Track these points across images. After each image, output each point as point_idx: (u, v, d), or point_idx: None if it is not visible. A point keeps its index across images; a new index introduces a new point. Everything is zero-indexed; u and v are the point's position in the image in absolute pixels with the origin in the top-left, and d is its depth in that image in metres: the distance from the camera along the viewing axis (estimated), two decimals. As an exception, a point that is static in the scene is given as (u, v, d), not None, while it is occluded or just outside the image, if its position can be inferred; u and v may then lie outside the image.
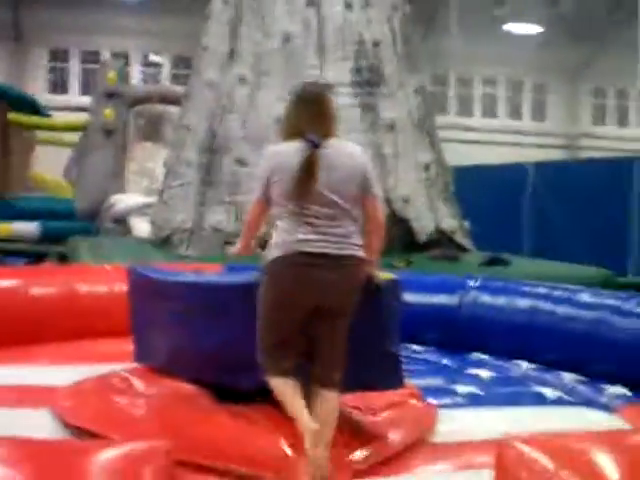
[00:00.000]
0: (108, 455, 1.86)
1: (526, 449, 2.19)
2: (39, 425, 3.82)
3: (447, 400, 4.60)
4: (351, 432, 3.87)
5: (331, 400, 3.69)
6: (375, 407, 4.24)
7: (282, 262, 3.61)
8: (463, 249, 11.25)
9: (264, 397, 4.02)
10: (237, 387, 4.24)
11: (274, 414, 3.83)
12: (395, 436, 3.90)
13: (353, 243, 3.66)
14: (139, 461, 1.84)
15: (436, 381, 5.12)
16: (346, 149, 3.80)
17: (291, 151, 3.68)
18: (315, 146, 3.65)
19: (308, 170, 3.59)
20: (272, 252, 3.66)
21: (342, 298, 3.68)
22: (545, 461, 2.09)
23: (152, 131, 19.89)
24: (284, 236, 3.63)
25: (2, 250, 17.32)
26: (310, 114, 3.76)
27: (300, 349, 3.74)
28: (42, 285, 6.10)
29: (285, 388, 3.66)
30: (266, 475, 3.42)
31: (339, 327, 3.71)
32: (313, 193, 3.59)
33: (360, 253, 3.69)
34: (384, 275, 4.10)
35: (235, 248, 4.07)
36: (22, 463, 1.83)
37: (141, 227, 14.49)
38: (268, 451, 3.56)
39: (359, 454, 3.64)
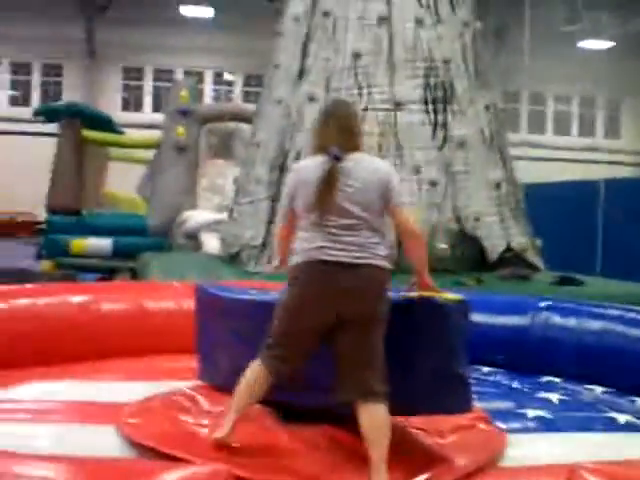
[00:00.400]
0: (170, 478, 1.84)
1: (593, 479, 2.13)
2: (104, 443, 3.83)
3: (516, 424, 4.49)
4: (415, 454, 3.82)
5: (375, 414, 3.66)
6: (442, 430, 4.18)
7: (301, 268, 3.73)
8: (534, 268, 11.07)
9: (327, 417, 4.02)
10: (301, 406, 4.22)
11: (335, 434, 3.83)
12: (462, 460, 3.82)
13: (372, 252, 3.73)
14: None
15: (505, 404, 5.01)
16: (369, 162, 3.90)
17: (313, 165, 3.82)
18: (337, 159, 3.74)
19: (328, 182, 3.70)
20: (293, 259, 3.78)
21: (361, 306, 3.70)
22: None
23: (223, 148, 20.07)
24: (304, 244, 3.76)
25: (76, 266, 17.61)
26: (335, 129, 3.87)
27: (303, 360, 3.85)
28: (111, 301, 6.15)
29: (259, 380, 3.84)
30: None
31: (365, 337, 3.71)
32: (333, 204, 3.72)
33: (380, 262, 3.75)
34: (452, 296, 4.05)
35: (274, 264, 4.17)
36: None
37: (212, 243, 14.59)
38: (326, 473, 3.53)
39: (423, 478, 3.58)
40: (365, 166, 3.82)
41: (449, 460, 3.82)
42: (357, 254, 3.70)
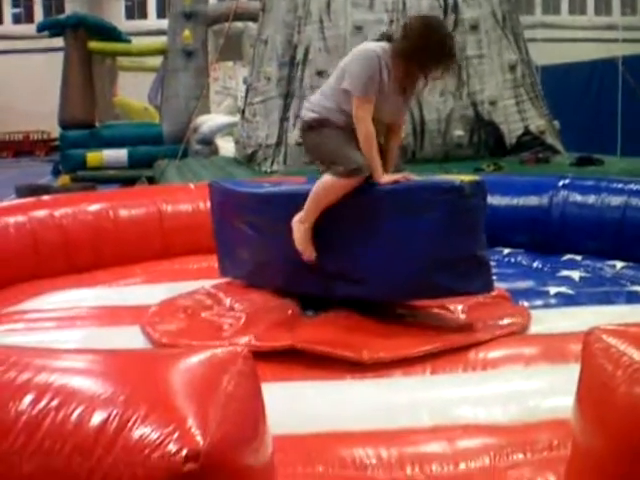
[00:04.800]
0: (190, 361, 1.85)
1: (613, 340, 2.12)
2: (130, 343, 3.88)
3: (538, 302, 4.51)
4: (435, 327, 3.94)
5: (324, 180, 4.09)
6: (464, 308, 4.22)
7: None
8: (553, 150, 10.99)
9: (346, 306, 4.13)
10: (321, 295, 4.28)
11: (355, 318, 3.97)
12: (485, 330, 3.87)
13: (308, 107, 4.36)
14: (219, 367, 1.84)
15: (527, 283, 5.02)
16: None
17: None
18: None
19: None
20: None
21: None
22: (632, 352, 2.02)
23: (232, 49, 19.81)
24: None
25: (94, 178, 17.64)
26: None
27: None
28: (129, 207, 6.17)
29: (343, 188, 4.01)
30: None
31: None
32: None
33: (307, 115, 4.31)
34: (468, 177, 4.03)
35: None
36: (105, 372, 1.85)
37: (227, 147, 14.57)
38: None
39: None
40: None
41: (471, 329, 3.89)
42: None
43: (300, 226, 4.16)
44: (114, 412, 1.61)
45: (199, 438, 1.54)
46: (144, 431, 1.57)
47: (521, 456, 2.71)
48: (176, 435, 1.54)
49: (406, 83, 4.18)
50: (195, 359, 1.87)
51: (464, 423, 2.97)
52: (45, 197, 6.56)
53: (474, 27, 10.64)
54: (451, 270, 3.91)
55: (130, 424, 1.59)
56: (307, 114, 4.31)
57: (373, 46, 4.15)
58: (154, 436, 1.55)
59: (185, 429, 1.56)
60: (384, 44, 4.14)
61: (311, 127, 4.27)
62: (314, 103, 4.31)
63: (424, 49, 3.99)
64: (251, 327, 3.96)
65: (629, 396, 2.03)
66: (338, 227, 4.13)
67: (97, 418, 1.61)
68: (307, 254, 4.19)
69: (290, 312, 4.24)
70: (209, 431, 1.56)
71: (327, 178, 4.05)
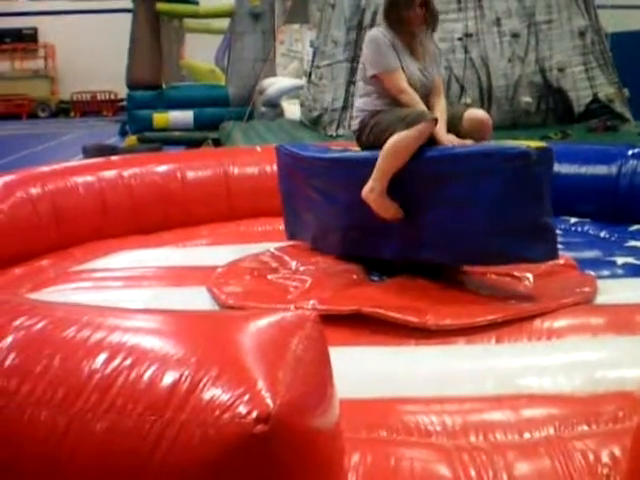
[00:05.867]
0: (258, 324, 1.88)
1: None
2: (195, 304, 3.93)
3: (605, 271, 4.46)
4: (500, 295, 3.94)
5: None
6: (531, 275, 4.20)
7: None
8: (622, 119, 10.78)
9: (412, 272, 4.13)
10: (386, 259, 4.30)
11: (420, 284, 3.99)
12: (552, 299, 3.83)
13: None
14: (289, 330, 1.86)
15: (594, 253, 4.97)
16: None
17: None
18: None
19: None
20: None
21: None
22: None
23: (299, 12, 19.72)
24: None
25: (160, 139, 17.78)
26: None
27: None
28: (195, 169, 6.22)
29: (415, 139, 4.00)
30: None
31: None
32: None
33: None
34: (536, 143, 3.99)
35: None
36: (177, 333, 1.88)
37: (293, 109, 14.54)
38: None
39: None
40: None
41: (537, 298, 3.85)
42: None
43: (371, 195, 4.15)
44: (186, 373, 1.64)
45: (269, 401, 1.56)
46: (215, 392, 1.60)
47: (586, 427, 2.69)
48: (247, 397, 1.57)
49: (410, 40, 4.35)
50: (265, 322, 1.89)
51: (528, 393, 2.96)
52: (113, 158, 6.64)
53: (544, -9, 10.46)
54: (516, 237, 3.89)
55: (201, 385, 1.62)
56: (353, 124, 4.54)
57: (374, 30, 4.46)
58: (225, 397, 1.58)
59: (255, 391, 1.58)
60: (383, 24, 4.41)
61: (361, 130, 4.41)
62: (356, 110, 4.52)
63: (389, 4, 4.36)
64: (317, 290, 3.99)
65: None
66: (404, 192, 4.13)
67: (169, 378, 1.64)
68: (393, 215, 4.18)
69: (355, 277, 4.26)
70: (279, 394, 1.58)
71: (395, 137, 4.04)
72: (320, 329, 1.94)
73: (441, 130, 4.11)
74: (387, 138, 4.08)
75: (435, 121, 4.04)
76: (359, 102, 4.50)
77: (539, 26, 10.45)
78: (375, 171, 4.11)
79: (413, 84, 4.26)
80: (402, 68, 4.24)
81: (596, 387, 2.99)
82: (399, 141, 4.02)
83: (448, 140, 4.10)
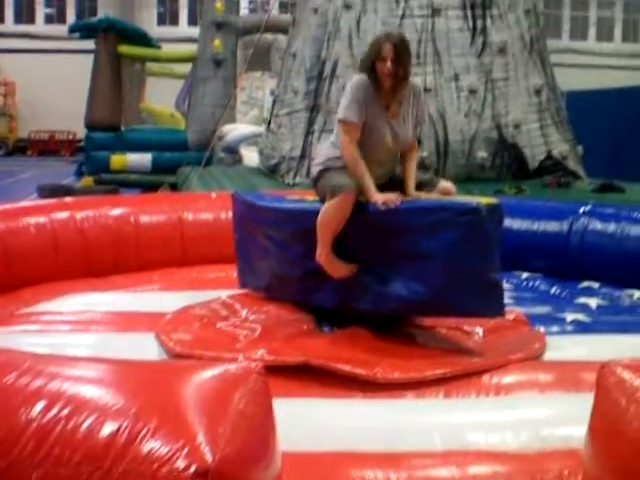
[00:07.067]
0: (201, 377, 1.86)
1: (627, 375, 2.11)
2: (143, 351, 3.88)
3: (554, 328, 4.49)
4: (450, 350, 3.94)
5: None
6: (481, 330, 4.21)
7: None
8: (575, 176, 10.94)
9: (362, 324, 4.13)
10: (335, 308, 4.36)
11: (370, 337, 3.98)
12: (499, 354, 3.84)
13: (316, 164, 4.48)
14: (232, 383, 1.84)
15: (544, 309, 5.00)
16: None
17: None
18: None
19: None
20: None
21: None
22: (647, 388, 2.01)
23: (260, 60, 19.87)
24: None
25: (117, 181, 17.72)
26: None
27: None
28: (150, 213, 6.19)
29: (335, 210, 4.08)
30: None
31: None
32: None
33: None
34: (486, 200, 4.02)
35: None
36: (118, 383, 1.86)
37: (252, 157, 14.58)
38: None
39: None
40: None
41: (486, 353, 3.86)
42: None
43: (321, 259, 4.21)
44: (125, 423, 1.62)
45: (208, 455, 1.54)
46: (154, 445, 1.57)
47: (531, 485, 2.69)
48: (185, 451, 1.55)
49: (388, 100, 4.31)
50: (208, 374, 1.87)
51: (475, 449, 2.96)
52: (67, 199, 6.59)
53: (502, 50, 10.63)
54: (464, 291, 3.91)
55: (140, 437, 1.59)
56: (313, 171, 4.50)
57: (358, 75, 4.32)
58: (164, 450, 1.56)
59: (195, 445, 1.56)
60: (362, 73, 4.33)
61: (316, 180, 4.43)
62: (320, 155, 4.52)
63: (365, 55, 4.35)
64: (266, 340, 3.96)
65: (642, 432, 2.02)
66: (357, 244, 4.15)
67: (108, 429, 1.62)
68: (345, 273, 4.22)
69: (306, 327, 4.25)
70: (218, 448, 1.56)
71: (323, 208, 4.16)
72: (265, 382, 1.92)
73: (371, 191, 4.13)
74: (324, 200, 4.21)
75: (355, 192, 4.09)
76: (326, 145, 4.54)
77: (496, 83, 10.61)
78: (317, 237, 4.17)
79: (377, 139, 4.25)
80: (368, 121, 4.21)
81: (542, 444, 2.99)
82: (325, 213, 4.14)
83: (377, 199, 4.11)
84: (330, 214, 4.12)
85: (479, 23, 10.60)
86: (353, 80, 4.31)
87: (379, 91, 4.25)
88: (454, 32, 10.44)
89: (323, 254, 4.19)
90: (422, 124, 4.55)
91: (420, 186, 4.37)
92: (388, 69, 4.16)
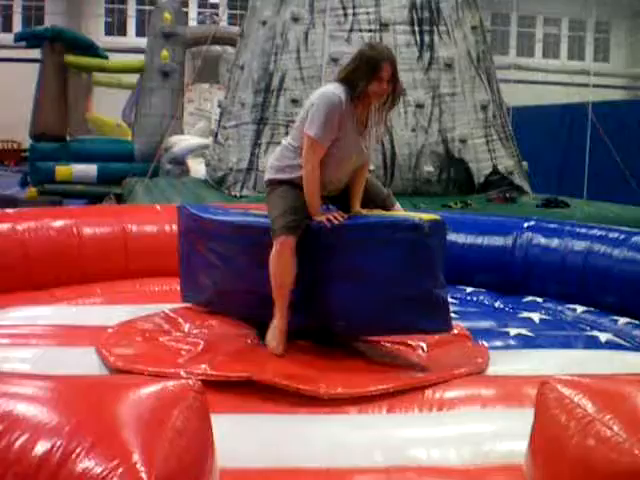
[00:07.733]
0: (138, 394, 1.82)
1: (567, 391, 2.12)
2: (83, 365, 3.81)
3: (498, 342, 4.51)
4: (395, 365, 3.93)
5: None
6: (424, 345, 4.22)
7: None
8: (521, 191, 11.07)
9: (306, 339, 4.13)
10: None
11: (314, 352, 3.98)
12: (444, 369, 3.85)
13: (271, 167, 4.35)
14: (170, 401, 1.81)
15: (487, 323, 5.03)
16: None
17: None
18: None
19: None
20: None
21: None
22: (585, 404, 2.02)
23: (209, 72, 19.84)
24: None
25: (61, 192, 17.51)
26: None
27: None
28: (93, 225, 6.11)
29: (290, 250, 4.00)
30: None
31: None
32: None
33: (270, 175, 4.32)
34: (428, 216, 4.03)
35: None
36: (52, 400, 1.82)
37: (198, 168, 14.53)
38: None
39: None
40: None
41: (430, 368, 3.86)
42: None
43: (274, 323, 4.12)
44: (58, 442, 1.58)
45: (144, 475, 1.51)
46: (88, 464, 1.54)
47: (472, 501, 2.69)
48: (120, 470, 1.52)
49: (362, 116, 4.20)
50: (146, 391, 1.84)
51: (417, 465, 2.95)
52: (8, 210, 6.48)
53: (449, 65, 10.72)
54: (408, 307, 3.90)
55: (74, 456, 1.56)
56: (267, 173, 4.36)
57: (335, 90, 4.12)
58: (97, 470, 1.52)
59: (130, 464, 1.53)
60: (341, 85, 4.14)
61: (269, 186, 4.32)
62: (275, 158, 4.38)
63: (354, 69, 4.10)
64: (209, 355, 3.92)
65: (581, 448, 2.03)
66: (302, 261, 4.12)
67: (41, 448, 1.58)
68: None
69: (249, 341, 4.22)
70: (154, 467, 1.53)
71: (270, 256, 4.06)
72: (203, 399, 1.89)
73: (315, 210, 4.11)
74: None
75: (294, 239, 4.03)
76: (283, 146, 4.36)
77: (443, 98, 10.69)
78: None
79: (346, 154, 4.17)
80: (339, 137, 4.10)
81: (484, 459, 3.00)
82: (271, 263, 4.05)
83: (319, 219, 4.08)
84: (274, 263, 4.04)
85: (426, 39, 10.68)
86: (329, 96, 4.09)
87: (357, 106, 4.13)
88: (401, 47, 10.50)
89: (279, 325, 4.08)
90: (380, 138, 4.53)
91: (379, 202, 4.36)
92: (385, 90, 4.08)
